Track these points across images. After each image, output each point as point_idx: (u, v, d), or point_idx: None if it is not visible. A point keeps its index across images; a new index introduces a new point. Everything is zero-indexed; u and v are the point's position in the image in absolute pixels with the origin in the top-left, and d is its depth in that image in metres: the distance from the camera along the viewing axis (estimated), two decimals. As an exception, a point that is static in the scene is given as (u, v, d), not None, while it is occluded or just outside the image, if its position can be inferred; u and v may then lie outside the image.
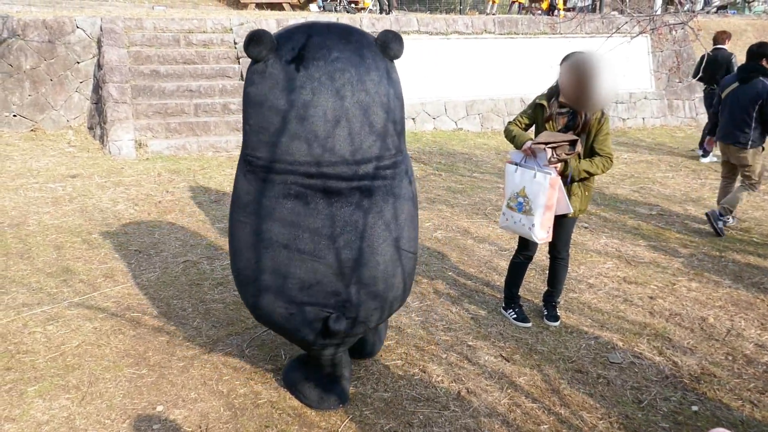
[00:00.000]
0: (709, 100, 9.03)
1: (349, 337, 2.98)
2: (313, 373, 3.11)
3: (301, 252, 2.69)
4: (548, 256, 4.07)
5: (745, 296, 4.45)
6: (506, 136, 3.83)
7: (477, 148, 9.56)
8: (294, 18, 10.71)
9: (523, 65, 10.99)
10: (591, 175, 3.67)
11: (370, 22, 10.80)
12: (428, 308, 4.20)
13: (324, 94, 2.60)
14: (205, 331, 3.78)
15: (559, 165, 3.58)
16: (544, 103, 3.68)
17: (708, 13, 27.47)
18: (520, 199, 3.70)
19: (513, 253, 4.22)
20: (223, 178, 7.27)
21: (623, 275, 4.79)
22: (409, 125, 10.71)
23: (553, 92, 3.67)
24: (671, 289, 4.56)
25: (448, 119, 10.83)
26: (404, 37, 10.70)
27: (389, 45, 2.80)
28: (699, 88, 12.46)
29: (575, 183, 3.69)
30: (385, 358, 3.55)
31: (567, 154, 3.55)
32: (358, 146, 2.67)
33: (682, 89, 12.29)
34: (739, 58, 12.17)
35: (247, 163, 2.77)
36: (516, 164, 3.72)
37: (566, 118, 3.66)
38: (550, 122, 3.68)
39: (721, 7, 28.60)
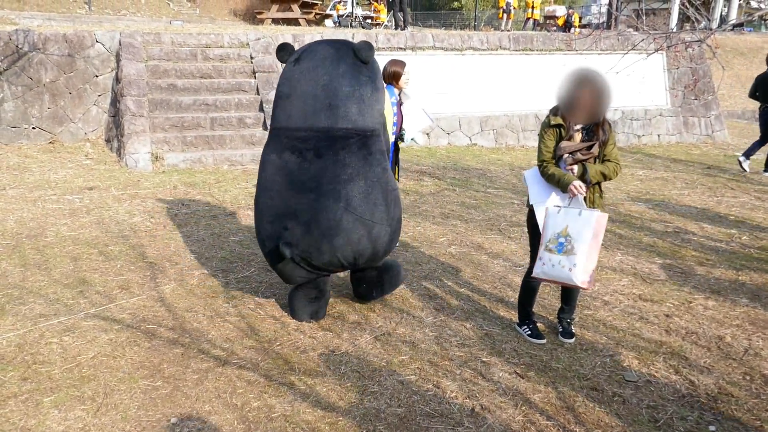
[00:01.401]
0: (764, 118, 9.13)
1: (306, 267, 3.97)
2: (300, 294, 4.14)
3: (274, 190, 3.88)
4: None
5: (763, 315, 4.39)
6: (548, 180, 3.66)
7: (491, 163, 9.56)
8: (309, 33, 10.82)
9: (538, 81, 11.01)
10: (605, 178, 3.69)
11: (385, 38, 10.87)
12: (442, 323, 4.19)
13: (303, 81, 3.83)
14: (219, 343, 3.80)
15: (575, 167, 3.60)
16: (561, 122, 3.69)
17: (724, 30, 27.43)
18: (561, 240, 3.53)
19: (527, 269, 4.20)
20: (239, 191, 7.32)
21: (639, 293, 4.75)
22: (423, 140, 10.74)
23: (558, 106, 3.70)
24: (687, 308, 4.51)
25: (463, 135, 10.85)
26: (419, 52, 10.78)
27: (359, 51, 3.87)
28: (715, 106, 12.41)
29: (590, 190, 3.71)
30: (399, 372, 3.54)
31: (583, 155, 3.58)
32: (312, 117, 3.81)
33: (698, 106, 12.24)
34: (754, 75, 12.04)
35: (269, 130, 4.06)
36: (559, 207, 3.60)
37: (581, 132, 3.68)
38: (570, 140, 3.70)
39: (738, 25, 28.53)
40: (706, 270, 5.24)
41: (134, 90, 8.92)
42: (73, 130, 9.25)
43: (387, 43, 10.76)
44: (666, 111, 12.07)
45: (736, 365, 3.75)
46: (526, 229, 4.17)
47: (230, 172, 8.35)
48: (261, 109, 9.37)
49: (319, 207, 3.77)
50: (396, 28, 16.20)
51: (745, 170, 9.26)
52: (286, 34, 10.64)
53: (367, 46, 3.88)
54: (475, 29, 21.89)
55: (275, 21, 19.04)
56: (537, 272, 3.69)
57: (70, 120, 9.24)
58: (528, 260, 4.12)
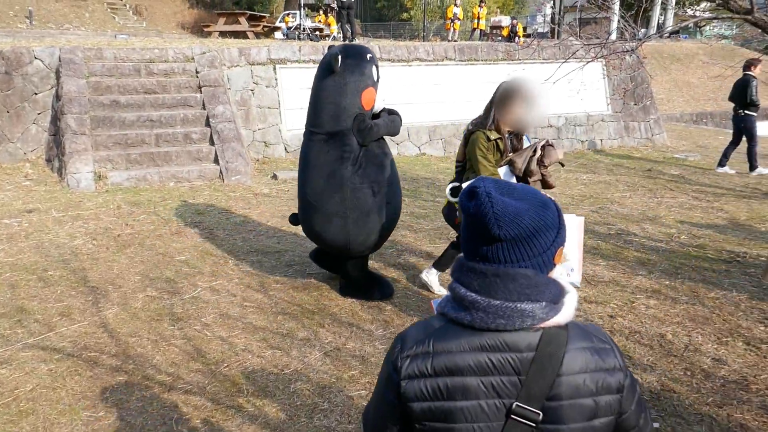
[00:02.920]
0: (736, 122, 9.58)
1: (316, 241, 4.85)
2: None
3: None
4: None
5: (702, 312, 4.55)
6: None
7: (440, 172, 9.66)
8: (256, 47, 10.76)
9: (484, 91, 11.18)
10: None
11: (331, 51, 10.89)
12: (392, 336, 4.19)
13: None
14: (164, 368, 3.71)
15: (545, 170, 3.71)
16: (498, 135, 3.76)
17: (661, 37, 28.45)
18: None
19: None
20: (185, 209, 7.20)
21: (584, 295, 4.86)
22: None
23: (491, 121, 3.75)
24: (630, 307, 4.64)
25: (412, 144, 10.93)
26: (366, 64, 10.81)
27: (328, 62, 4.37)
28: (654, 111, 12.85)
29: None
30: (349, 388, 3.53)
31: (548, 162, 3.70)
32: (307, 118, 4.59)
33: (637, 111, 12.64)
34: (690, 80, 12.39)
35: None
36: None
37: (509, 142, 3.79)
38: (509, 152, 3.78)
39: (674, 32, 29.63)
40: (647, 270, 5.40)
41: (75, 107, 8.69)
42: (12, 150, 8.94)
43: (333, 56, 10.78)
44: (607, 116, 12.43)
45: (677, 361, 3.87)
46: None
47: (177, 189, 8.21)
48: (207, 124, 9.25)
49: (299, 192, 4.75)
50: (344, 40, 16.25)
51: (732, 173, 9.74)
52: (232, 48, 10.56)
53: (331, 56, 4.31)
54: (423, 40, 22.15)
55: (223, 34, 18.86)
56: None
57: (8, 140, 8.93)
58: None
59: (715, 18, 5.39)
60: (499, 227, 1.24)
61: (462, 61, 11.47)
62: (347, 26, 15.32)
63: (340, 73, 4.33)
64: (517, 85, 3.74)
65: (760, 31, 4.81)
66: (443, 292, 4.75)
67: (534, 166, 3.84)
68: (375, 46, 11.29)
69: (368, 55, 4.48)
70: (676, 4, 25.21)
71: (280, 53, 10.58)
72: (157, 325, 4.28)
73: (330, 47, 4.73)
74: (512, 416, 1.25)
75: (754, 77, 9.23)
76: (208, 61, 10.03)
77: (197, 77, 9.83)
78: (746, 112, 9.40)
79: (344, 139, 4.42)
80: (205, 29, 20.25)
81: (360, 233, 4.56)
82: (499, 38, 20.61)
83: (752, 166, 9.63)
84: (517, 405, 1.25)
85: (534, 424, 1.25)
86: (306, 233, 4.88)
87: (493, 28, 23.56)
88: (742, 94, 9.31)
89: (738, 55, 21.51)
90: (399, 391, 1.32)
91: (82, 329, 4.20)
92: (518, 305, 1.24)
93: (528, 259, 1.26)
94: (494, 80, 10.44)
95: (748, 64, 9.39)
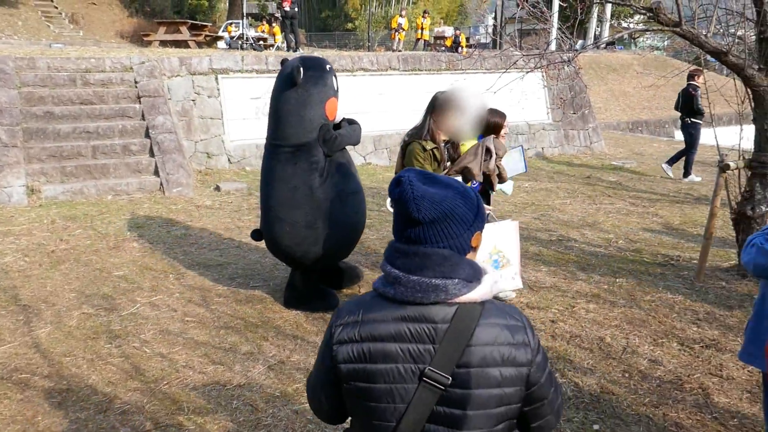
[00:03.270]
0: (685, 130, 9.97)
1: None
2: None
3: None
4: None
5: (639, 314, 4.68)
6: None
7: (385, 182, 9.69)
8: (198, 56, 10.58)
9: (428, 100, 11.29)
10: None
11: (276, 60, 10.81)
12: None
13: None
14: (100, 388, 3.57)
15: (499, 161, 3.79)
16: (435, 144, 3.80)
17: (597, 48, 29.41)
18: (495, 257, 3.68)
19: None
20: (123, 222, 6.99)
21: (526, 301, 4.94)
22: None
23: (426, 131, 3.79)
24: (571, 312, 4.74)
25: (357, 154, 10.94)
26: (310, 74, 10.76)
27: (287, 73, 4.42)
28: (592, 119, 13.24)
29: None
30: (294, 402, 3.48)
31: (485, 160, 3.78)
32: (268, 130, 4.64)
33: (576, 120, 13.01)
34: (626, 89, 12.82)
35: None
36: None
37: (446, 151, 3.84)
38: (442, 163, 3.82)
39: (610, 43, 30.69)
40: (587, 275, 5.54)
41: (6, 119, 8.34)
42: (-64, 165, 8.49)
43: (277, 65, 10.69)
44: (548, 125, 12.75)
45: (615, 364, 3.97)
46: None
47: (115, 202, 7.97)
48: (147, 135, 9.03)
49: (263, 206, 4.76)
50: (288, 50, 16.17)
51: (670, 176, 10.17)
52: (172, 57, 10.35)
53: (294, 70, 4.31)
54: (368, 50, 22.24)
55: (164, 43, 18.48)
56: None
57: (-68, 154, 8.49)
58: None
59: (646, 30, 5.60)
60: (418, 211, 1.39)
61: (406, 71, 11.58)
62: (291, 36, 15.25)
63: (303, 85, 4.33)
64: (452, 95, 3.79)
65: (689, 42, 5.01)
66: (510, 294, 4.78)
67: (492, 164, 3.93)
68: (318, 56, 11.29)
69: (327, 66, 4.55)
70: (612, 16, 26.14)
71: (222, 63, 10.44)
72: (93, 343, 4.12)
73: (284, 60, 4.70)
74: (424, 379, 1.39)
75: (698, 86, 9.61)
76: (148, 71, 9.80)
77: (136, 87, 9.59)
78: (692, 120, 9.79)
79: (311, 151, 4.44)
80: (145, 38, 19.80)
81: (330, 243, 4.56)
82: (443, 48, 20.91)
83: (686, 173, 10.03)
84: (429, 369, 1.38)
85: (443, 388, 1.39)
86: (271, 248, 4.79)
87: (436, 38, 23.87)
88: (687, 103, 9.70)
89: (670, 65, 22.43)
90: (332, 355, 1.47)
91: (12, 350, 4.01)
92: (433, 281, 1.39)
93: (445, 240, 1.40)
94: (437, 89, 10.52)
95: (692, 74, 9.79)
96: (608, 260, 5.95)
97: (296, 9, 16.30)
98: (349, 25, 46.49)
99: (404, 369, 1.40)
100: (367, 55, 11.92)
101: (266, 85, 10.54)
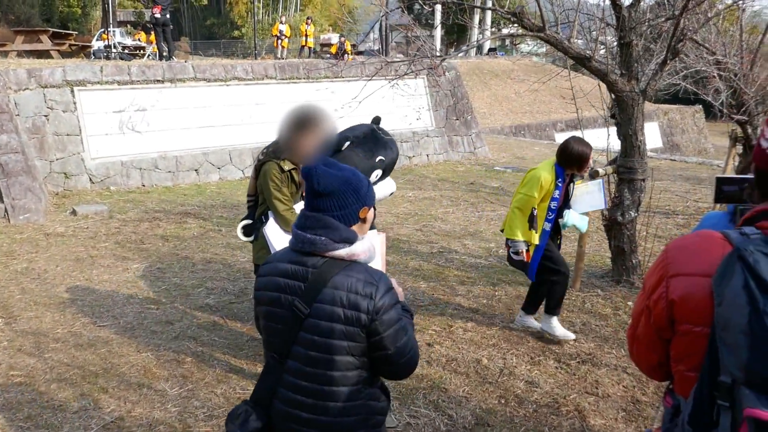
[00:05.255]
0: None
1: None
2: None
3: None
4: None
5: (516, 331, 4.50)
6: None
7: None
8: (49, 67, 9.59)
9: (343, 107, 10.92)
10: None
11: (139, 70, 10.03)
12: (189, 394, 3.67)
13: None
14: None
15: None
16: (294, 165, 3.40)
17: (480, 54, 30.25)
18: None
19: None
20: (-47, 258, 6.08)
21: (403, 324, 4.64)
22: (192, 177, 10.06)
23: (285, 150, 3.39)
24: (448, 333, 4.49)
25: (235, 168, 10.37)
26: (180, 84, 10.11)
27: None
28: (475, 125, 13.35)
29: None
30: (125, 471, 2.96)
31: None
32: None
33: (459, 126, 13.06)
34: (509, 94, 13.02)
35: None
36: None
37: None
38: (301, 186, 3.44)
39: (491, 50, 31.67)
40: (466, 289, 5.33)
41: None
42: None
43: (141, 76, 9.93)
44: (432, 132, 12.70)
45: (492, 389, 3.73)
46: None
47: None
48: (-11, 155, 8.02)
49: None
50: (161, 59, 15.25)
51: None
52: (19, 69, 9.32)
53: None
54: (255, 58, 21.54)
55: (20, 54, 16.91)
56: None
57: None
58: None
59: (512, 35, 5.49)
60: (318, 184, 1.81)
61: (284, 79, 11.12)
62: (163, 44, 14.35)
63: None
64: (309, 112, 3.41)
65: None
66: (568, 334, 4.29)
67: None
68: (187, 65, 10.61)
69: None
70: (492, 23, 26.89)
71: (78, 74, 9.52)
72: None
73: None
74: (293, 308, 1.81)
75: None
76: (-10, 84, 8.75)
77: (-24, 102, 8.52)
78: None
79: None
80: (1, 49, 18.08)
81: None
82: (328, 56, 20.61)
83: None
84: (296, 302, 1.81)
85: (303, 316, 1.80)
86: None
87: (323, 45, 23.58)
88: None
89: (548, 70, 23.31)
90: (256, 296, 1.95)
91: None
92: (308, 235, 1.82)
93: (336, 210, 1.82)
94: (317, 99, 10.20)
95: None
96: (488, 272, 5.78)
97: (168, 16, 15.35)
98: (236, 33, 45.31)
99: (284, 298, 1.83)
100: (242, 63, 11.36)
101: (130, 97, 9.76)
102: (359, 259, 1.84)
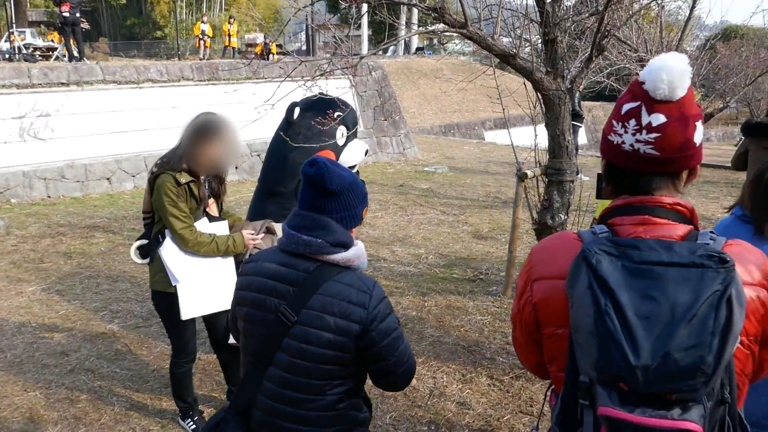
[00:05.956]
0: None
1: None
2: None
3: None
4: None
5: (447, 345, 4.25)
6: (206, 248, 2.97)
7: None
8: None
9: (229, 112, 10.38)
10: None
11: (41, 73, 9.27)
12: (80, 441, 3.22)
13: None
14: None
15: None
16: (192, 177, 2.99)
17: (408, 53, 30.20)
18: None
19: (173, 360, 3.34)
20: None
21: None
22: (104, 186, 9.39)
23: (181, 160, 2.99)
24: (376, 351, 4.18)
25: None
26: (87, 87, 9.41)
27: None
28: (403, 125, 13.14)
29: None
30: None
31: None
32: None
33: (388, 126, 12.81)
34: (438, 94, 12.83)
35: None
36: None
37: (206, 186, 3.09)
38: (202, 201, 3.05)
39: (419, 49, 31.67)
40: (395, 301, 5.04)
41: None
42: None
43: (44, 79, 9.17)
44: (360, 132, 12.39)
45: (422, 413, 3.46)
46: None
47: None
48: None
49: None
50: (70, 60, 14.33)
51: (586, 179, 10.01)
52: None
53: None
54: (179, 59, 20.69)
55: None
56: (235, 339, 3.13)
57: None
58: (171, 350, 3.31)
59: (431, 32, 5.24)
60: (331, 183, 1.72)
61: (202, 81, 10.55)
62: (72, 44, 13.47)
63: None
64: (213, 121, 3.04)
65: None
66: None
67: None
68: (95, 67, 9.89)
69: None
70: (420, 22, 26.84)
71: (-33, 77, 8.70)
72: None
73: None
74: (279, 313, 1.72)
75: (578, 90, 9.70)
76: None
77: None
78: (573, 123, 9.85)
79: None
80: None
81: None
82: (253, 56, 20.00)
83: (576, 172, 10.14)
84: (283, 307, 1.72)
85: (290, 323, 1.71)
86: None
87: (248, 46, 22.93)
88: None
89: (476, 69, 23.42)
90: (237, 296, 1.86)
91: None
92: (303, 237, 1.72)
93: (342, 210, 1.75)
94: (239, 100, 9.70)
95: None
96: (418, 280, 5.52)
97: (78, 14, 14.43)
98: (158, 33, 43.81)
99: (270, 301, 1.73)
100: (156, 64, 10.71)
101: (31, 101, 9.00)
102: (353, 265, 1.76)
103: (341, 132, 3.79)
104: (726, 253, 1.13)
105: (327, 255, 1.71)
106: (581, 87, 4.71)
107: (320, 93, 4.00)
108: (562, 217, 4.86)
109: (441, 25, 4.77)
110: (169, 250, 2.99)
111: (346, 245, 1.74)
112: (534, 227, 5.17)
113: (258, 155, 11.18)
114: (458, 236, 6.99)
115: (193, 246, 2.96)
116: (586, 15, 4.80)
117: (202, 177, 3.07)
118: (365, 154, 4.00)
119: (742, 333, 1.16)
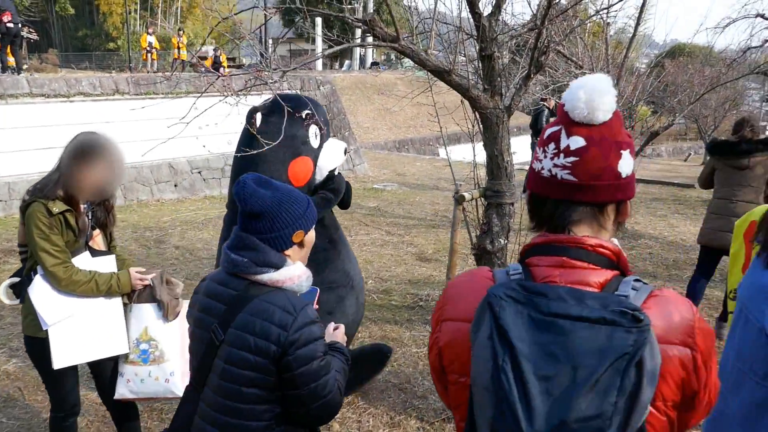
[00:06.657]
0: (532, 148, 9.61)
1: None
2: None
3: None
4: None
5: (378, 383, 3.92)
6: (83, 287, 2.58)
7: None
8: None
9: (168, 128, 9.94)
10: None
11: (-39, 85, 8.69)
12: None
13: None
14: None
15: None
16: (67, 206, 2.60)
17: (363, 68, 30.06)
18: (144, 346, 2.69)
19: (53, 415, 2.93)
20: None
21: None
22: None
23: (56, 186, 2.61)
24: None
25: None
26: (12, 101, 8.86)
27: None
28: (353, 141, 12.86)
29: None
30: None
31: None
32: None
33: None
34: (392, 109, 12.55)
35: None
36: (127, 303, 2.77)
37: (89, 215, 2.70)
38: (81, 232, 2.66)
39: (374, 63, 31.59)
40: (327, 332, 4.70)
41: None
42: None
43: (-36, 91, 8.59)
44: (309, 149, 12.08)
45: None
46: None
47: None
48: None
49: None
50: (4, 72, 13.64)
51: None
52: None
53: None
54: (130, 71, 20.05)
55: None
56: (122, 393, 2.69)
57: None
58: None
59: (361, 45, 4.98)
60: (245, 204, 1.71)
61: (139, 95, 10.08)
62: (5, 55, 12.81)
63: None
64: (94, 140, 2.67)
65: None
66: None
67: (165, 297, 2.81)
68: (21, 79, 9.33)
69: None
70: (374, 38, 26.70)
71: None
72: None
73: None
74: (211, 332, 1.70)
75: (547, 107, 9.49)
76: None
77: None
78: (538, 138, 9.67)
79: None
80: None
81: None
82: (202, 68, 19.52)
83: (525, 189, 9.94)
84: (214, 326, 1.70)
85: (218, 342, 1.68)
86: None
87: (200, 58, 22.38)
88: (535, 123, 9.63)
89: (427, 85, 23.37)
90: (187, 315, 1.86)
91: None
92: (232, 255, 1.72)
93: (266, 232, 1.71)
94: (180, 115, 9.18)
95: (543, 97, 9.68)
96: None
97: (19, 25, 13.79)
98: (111, 45, 42.79)
99: (205, 320, 1.73)
100: (88, 77, 10.19)
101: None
102: (284, 286, 1.71)
103: (314, 132, 3.37)
104: (641, 311, 0.97)
105: (253, 275, 1.69)
106: (519, 105, 4.48)
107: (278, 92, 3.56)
108: (502, 241, 4.61)
109: (371, 39, 4.51)
110: (39, 290, 2.59)
111: (275, 266, 1.70)
112: (473, 252, 4.90)
113: (199, 172, 10.74)
114: (401, 258, 6.71)
115: (66, 285, 2.56)
116: (524, 30, 4.59)
117: (84, 205, 2.69)
118: (345, 153, 3.55)
119: (658, 398, 1.04)
